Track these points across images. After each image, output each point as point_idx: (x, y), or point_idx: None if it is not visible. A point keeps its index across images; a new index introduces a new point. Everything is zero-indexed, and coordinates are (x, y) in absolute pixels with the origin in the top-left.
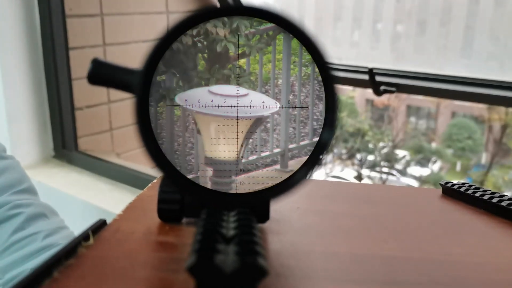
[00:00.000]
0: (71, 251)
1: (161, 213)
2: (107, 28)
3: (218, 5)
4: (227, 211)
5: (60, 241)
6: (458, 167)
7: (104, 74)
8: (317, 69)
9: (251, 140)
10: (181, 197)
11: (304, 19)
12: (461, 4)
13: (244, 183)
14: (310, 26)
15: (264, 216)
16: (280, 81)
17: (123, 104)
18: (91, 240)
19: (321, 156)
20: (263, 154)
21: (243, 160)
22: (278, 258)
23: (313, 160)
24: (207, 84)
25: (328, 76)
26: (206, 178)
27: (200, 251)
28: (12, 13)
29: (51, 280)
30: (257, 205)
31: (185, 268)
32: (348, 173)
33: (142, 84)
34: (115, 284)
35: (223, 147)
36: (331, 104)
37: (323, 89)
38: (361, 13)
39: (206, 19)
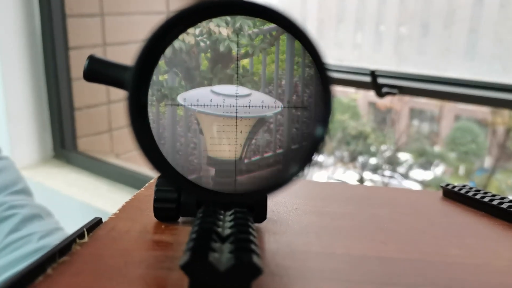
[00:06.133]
0: (65, 248)
1: (157, 212)
2: (107, 28)
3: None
4: (224, 210)
5: (56, 242)
6: (461, 170)
7: (99, 70)
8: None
9: (254, 141)
10: (177, 196)
11: (307, 21)
12: (465, 6)
13: (246, 183)
14: (312, 27)
15: (261, 216)
16: (283, 82)
17: (122, 104)
18: (86, 238)
19: (314, 153)
20: (266, 155)
21: (246, 161)
22: (274, 258)
23: (307, 157)
24: (209, 84)
25: (325, 76)
26: (208, 178)
27: (194, 249)
28: (12, 12)
29: (45, 276)
30: (253, 203)
31: (179, 265)
32: (350, 176)
33: (134, 80)
34: (109, 281)
35: (224, 147)
36: (325, 102)
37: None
38: (364, 15)
39: (200, 15)
